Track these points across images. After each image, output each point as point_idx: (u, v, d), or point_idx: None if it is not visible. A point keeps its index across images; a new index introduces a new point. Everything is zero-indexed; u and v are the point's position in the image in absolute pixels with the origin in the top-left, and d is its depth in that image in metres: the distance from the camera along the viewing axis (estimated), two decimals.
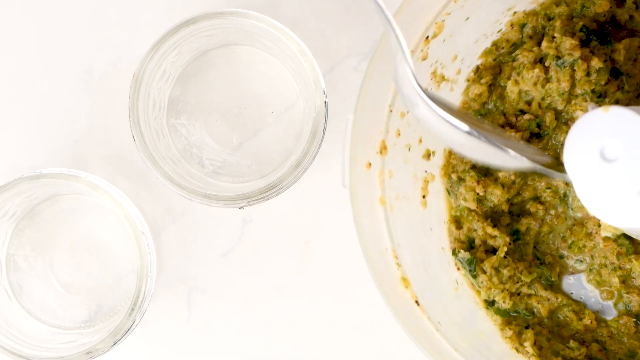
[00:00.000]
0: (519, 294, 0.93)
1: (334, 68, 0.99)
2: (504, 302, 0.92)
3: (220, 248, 1.00)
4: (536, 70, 0.91)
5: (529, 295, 0.93)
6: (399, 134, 0.90)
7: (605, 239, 0.92)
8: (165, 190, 0.98)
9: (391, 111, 0.88)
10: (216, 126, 0.99)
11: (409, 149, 0.91)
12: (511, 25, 0.93)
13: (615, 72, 0.92)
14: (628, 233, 0.91)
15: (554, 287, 0.94)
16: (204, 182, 0.96)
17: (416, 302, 0.89)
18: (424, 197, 0.93)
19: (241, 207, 0.92)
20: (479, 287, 0.93)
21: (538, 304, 0.93)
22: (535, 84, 0.91)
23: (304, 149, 0.93)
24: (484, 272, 0.92)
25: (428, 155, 0.93)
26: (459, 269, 0.94)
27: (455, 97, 0.95)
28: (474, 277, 0.93)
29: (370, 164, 0.88)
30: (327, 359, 0.99)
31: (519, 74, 0.92)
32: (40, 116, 1.00)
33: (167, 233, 1.00)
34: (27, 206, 0.98)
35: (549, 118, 0.92)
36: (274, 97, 0.99)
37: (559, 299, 0.93)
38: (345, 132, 0.87)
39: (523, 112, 0.93)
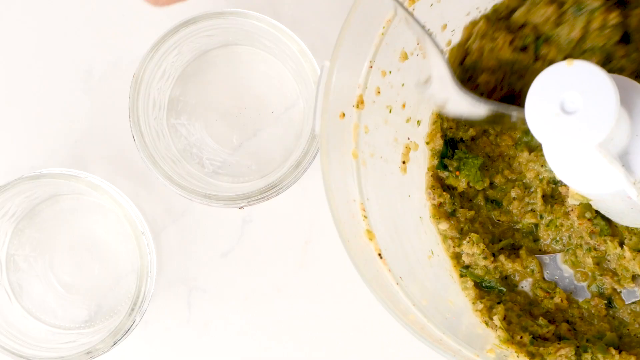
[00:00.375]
0: (494, 255, 0.93)
1: None
2: (481, 262, 0.92)
3: (220, 248, 1.00)
4: (551, 8, 0.88)
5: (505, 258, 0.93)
6: (379, 92, 0.88)
7: (581, 217, 0.92)
8: (165, 190, 0.98)
9: (371, 67, 0.87)
10: (216, 126, 0.99)
11: (390, 111, 0.90)
12: None
13: (625, 38, 0.90)
14: (596, 207, 0.91)
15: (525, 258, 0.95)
16: (204, 182, 0.96)
17: (379, 255, 0.87)
18: (404, 162, 0.92)
19: (241, 207, 0.92)
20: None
21: (513, 272, 0.93)
22: (546, 21, 0.88)
23: (304, 149, 0.93)
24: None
25: (410, 121, 0.92)
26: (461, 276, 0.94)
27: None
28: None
29: (344, 114, 0.86)
30: (327, 359, 0.99)
31: (533, 4, 0.89)
32: (40, 116, 1.00)
33: (167, 233, 1.00)
34: (27, 206, 0.98)
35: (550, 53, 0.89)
36: (274, 97, 0.99)
37: (533, 269, 0.93)
38: (320, 78, 0.84)
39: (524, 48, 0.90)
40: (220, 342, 0.99)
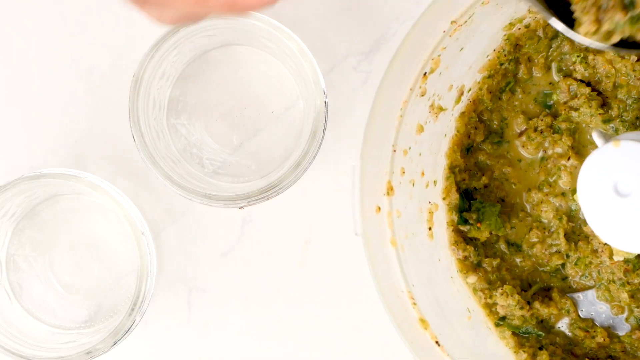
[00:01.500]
0: (528, 303, 0.93)
1: (334, 68, 0.99)
2: (516, 312, 0.92)
3: (220, 248, 1.00)
4: None
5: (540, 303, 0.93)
6: (404, 172, 0.91)
7: (612, 257, 0.92)
8: (165, 190, 0.98)
9: (395, 151, 0.90)
10: (216, 126, 0.99)
11: (413, 184, 0.92)
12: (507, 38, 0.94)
13: None
14: None
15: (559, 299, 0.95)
16: (204, 182, 0.96)
17: (436, 342, 0.90)
18: (430, 229, 0.94)
19: (241, 207, 0.92)
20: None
21: (549, 316, 0.93)
22: None
23: (304, 149, 0.93)
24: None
25: (429, 186, 0.94)
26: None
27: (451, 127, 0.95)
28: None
29: (379, 208, 0.89)
30: (327, 359, 0.99)
31: None
32: (40, 116, 1.00)
33: (167, 233, 1.00)
34: (27, 206, 0.98)
35: None
36: (274, 97, 0.99)
37: (569, 309, 0.93)
38: (353, 180, 0.88)
39: None
40: (220, 342, 0.99)
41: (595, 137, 0.87)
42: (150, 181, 0.99)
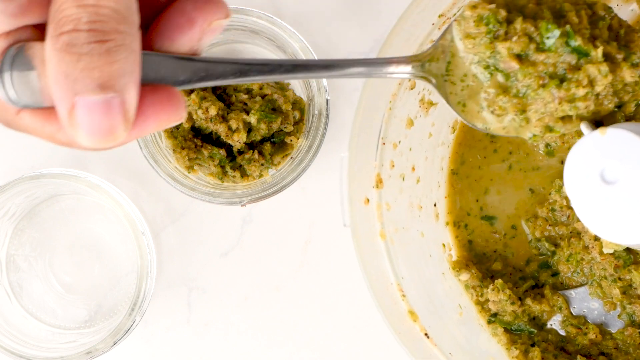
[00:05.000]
0: (520, 299, 0.93)
1: None
2: (508, 308, 0.93)
3: (220, 248, 1.00)
4: None
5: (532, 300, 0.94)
6: (393, 165, 0.90)
7: (602, 253, 0.92)
8: (165, 190, 0.98)
9: (384, 143, 0.89)
10: None
11: (403, 179, 0.92)
12: None
13: None
14: (630, 246, 0.91)
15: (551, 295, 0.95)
16: (206, 180, 0.96)
17: (425, 334, 0.89)
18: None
19: (243, 205, 0.92)
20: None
21: (541, 313, 0.94)
22: None
23: (304, 149, 0.93)
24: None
25: (420, 182, 0.94)
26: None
27: (446, 120, 0.95)
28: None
29: (368, 200, 0.89)
30: (327, 358, 0.99)
31: None
32: None
33: (167, 233, 1.00)
34: (27, 206, 0.98)
35: None
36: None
37: (561, 306, 0.94)
38: (341, 171, 0.88)
39: None
40: (221, 342, 0.99)
41: (584, 128, 0.87)
42: (150, 181, 0.99)
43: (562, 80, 0.76)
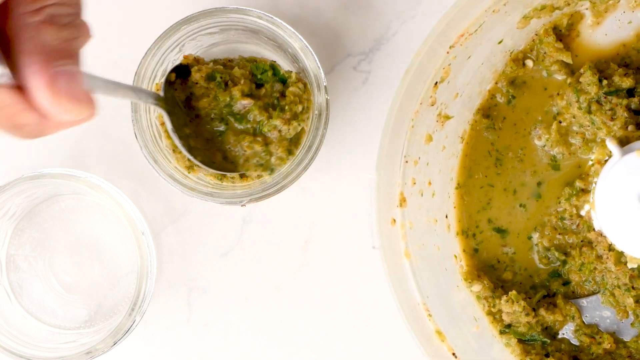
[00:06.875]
0: (534, 310, 0.93)
1: (334, 68, 0.99)
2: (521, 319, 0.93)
3: (220, 248, 1.00)
4: None
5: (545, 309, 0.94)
6: (414, 183, 0.92)
7: (618, 263, 0.92)
8: (165, 190, 0.98)
9: (406, 162, 0.90)
10: None
11: (422, 194, 0.93)
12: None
13: None
14: None
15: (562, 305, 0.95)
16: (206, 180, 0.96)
17: (453, 354, 0.90)
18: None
19: (243, 205, 0.92)
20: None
21: (554, 322, 0.94)
22: None
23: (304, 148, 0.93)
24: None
25: (435, 195, 0.94)
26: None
27: (457, 132, 0.96)
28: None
29: (394, 220, 0.90)
30: (327, 358, 0.99)
31: None
32: None
33: (167, 233, 1.00)
34: (27, 206, 0.98)
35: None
36: None
37: (573, 315, 0.94)
38: (370, 194, 0.89)
39: None
40: (221, 342, 0.99)
41: (609, 143, 0.88)
42: (150, 181, 0.99)
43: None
